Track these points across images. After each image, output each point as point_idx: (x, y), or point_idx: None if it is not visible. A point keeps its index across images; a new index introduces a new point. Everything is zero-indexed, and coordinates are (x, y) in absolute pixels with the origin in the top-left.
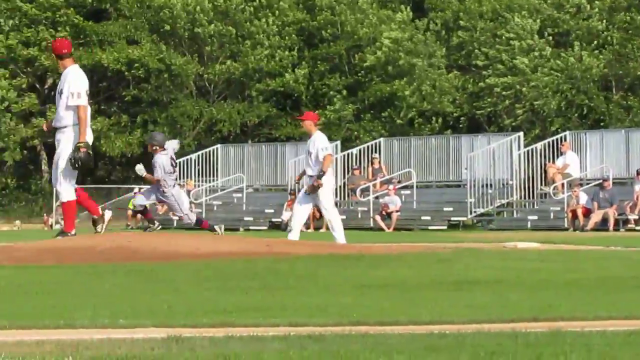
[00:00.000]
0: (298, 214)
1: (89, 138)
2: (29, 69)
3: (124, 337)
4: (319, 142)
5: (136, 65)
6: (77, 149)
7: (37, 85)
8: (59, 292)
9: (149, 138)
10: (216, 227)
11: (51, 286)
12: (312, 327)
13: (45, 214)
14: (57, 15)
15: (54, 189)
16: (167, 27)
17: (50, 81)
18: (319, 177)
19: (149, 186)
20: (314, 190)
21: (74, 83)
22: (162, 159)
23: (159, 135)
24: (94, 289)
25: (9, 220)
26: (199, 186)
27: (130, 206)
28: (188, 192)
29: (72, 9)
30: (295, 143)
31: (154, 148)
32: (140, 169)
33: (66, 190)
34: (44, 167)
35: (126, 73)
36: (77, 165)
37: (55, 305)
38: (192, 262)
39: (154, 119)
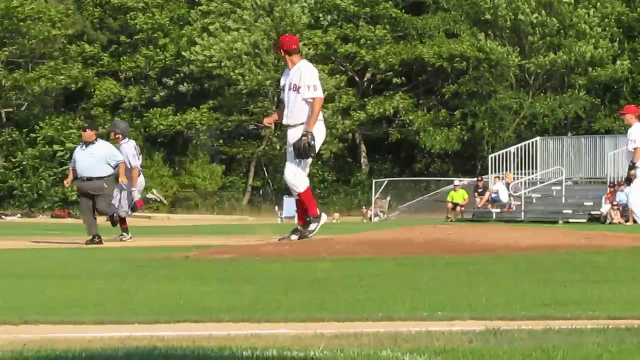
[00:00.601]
0: None
1: (320, 132)
2: (348, 64)
3: (442, 329)
4: (631, 134)
5: (457, 59)
6: (301, 137)
7: (357, 79)
8: (377, 284)
9: (111, 126)
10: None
11: (369, 279)
12: (631, 320)
13: (364, 206)
14: (376, 10)
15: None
16: (488, 16)
17: (368, 75)
18: (630, 168)
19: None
20: (628, 182)
21: (310, 76)
22: (126, 147)
23: (122, 124)
24: (412, 281)
25: (328, 212)
26: (518, 179)
27: (449, 198)
28: (507, 184)
29: (390, 2)
30: (614, 136)
31: (117, 136)
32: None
33: (300, 181)
34: (363, 159)
35: (445, 66)
36: (297, 153)
37: (373, 298)
38: (510, 255)
39: (473, 112)
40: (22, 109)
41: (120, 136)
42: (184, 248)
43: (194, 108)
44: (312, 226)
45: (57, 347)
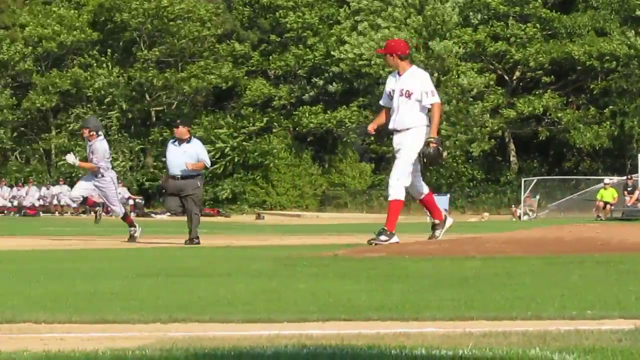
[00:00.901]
0: None
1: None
2: (497, 63)
3: (591, 328)
4: None
5: (606, 58)
6: (427, 143)
7: (506, 78)
8: (526, 283)
9: (84, 122)
10: (132, 229)
11: (518, 277)
12: None
13: (513, 205)
14: (526, 10)
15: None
16: (638, 13)
17: (518, 74)
18: None
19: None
20: None
21: (426, 82)
22: (103, 145)
23: (94, 120)
24: (561, 280)
25: (477, 211)
26: None
27: (599, 197)
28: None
29: (539, 1)
30: None
31: (91, 133)
32: (71, 158)
33: (397, 189)
34: (512, 158)
35: (595, 64)
36: (424, 161)
37: (522, 297)
38: None
39: (622, 110)
40: (172, 108)
41: (95, 133)
42: (333, 246)
43: (344, 106)
44: (382, 237)
45: (206, 345)
